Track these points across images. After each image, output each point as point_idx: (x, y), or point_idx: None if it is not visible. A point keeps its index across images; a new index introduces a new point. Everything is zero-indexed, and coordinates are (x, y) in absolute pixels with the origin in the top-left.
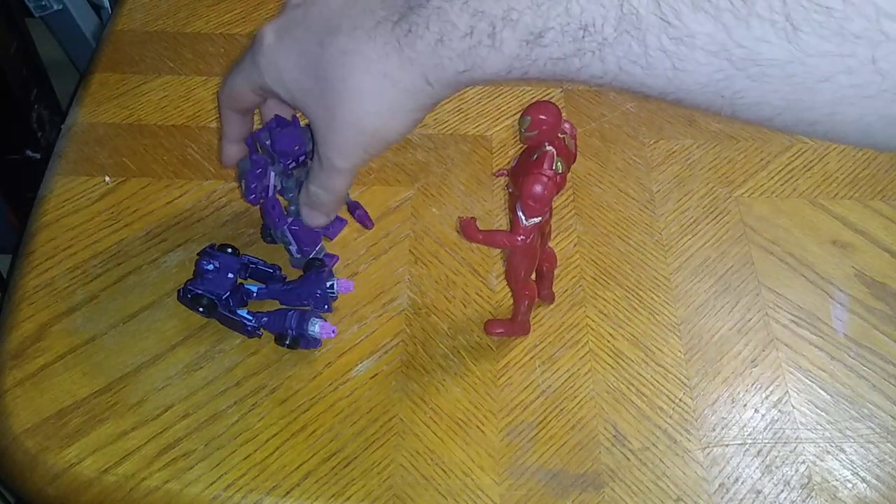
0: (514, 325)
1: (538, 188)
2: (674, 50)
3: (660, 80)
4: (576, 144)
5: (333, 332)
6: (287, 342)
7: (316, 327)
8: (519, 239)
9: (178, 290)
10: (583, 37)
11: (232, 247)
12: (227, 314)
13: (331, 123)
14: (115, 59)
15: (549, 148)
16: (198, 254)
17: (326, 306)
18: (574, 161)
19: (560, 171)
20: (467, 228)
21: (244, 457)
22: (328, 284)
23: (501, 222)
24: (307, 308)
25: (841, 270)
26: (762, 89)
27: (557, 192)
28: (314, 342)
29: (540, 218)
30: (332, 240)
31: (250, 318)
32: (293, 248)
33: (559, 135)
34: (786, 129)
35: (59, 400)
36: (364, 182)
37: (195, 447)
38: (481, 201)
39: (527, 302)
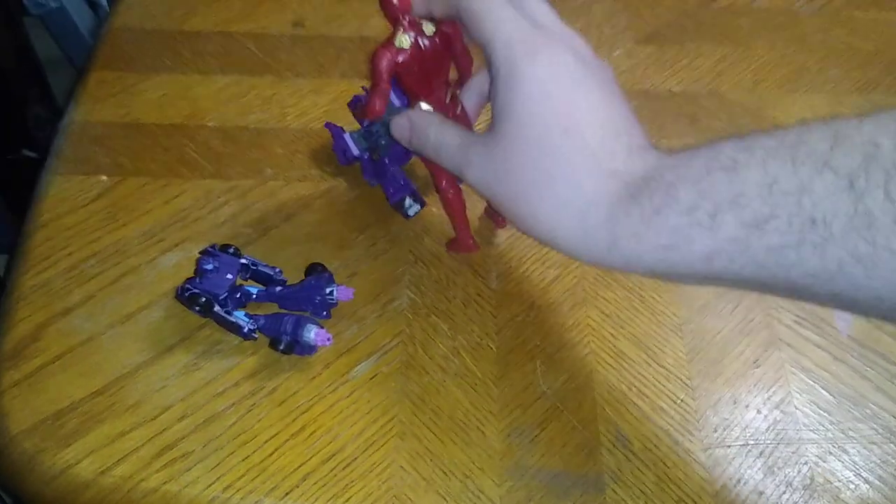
0: (455, 241)
1: (375, 56)
2: None
3: (880, 283)
4: (447, 40)
5: (329, 339)
6: (281, 347)
7: (311, 334)
8: (372, 105)
9: (177, 289)
10: (809, 228)
11: (233, 247)
12: (223, 315)
13: (515, 198)
14: (112, 57)
15: (398, 25)
16: (199, 252)
17: (325, 313)
18: (444, 55)
19: (403, 47)
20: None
21: (243, 458)
22: (328, 291)
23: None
24: (305, 313)
25: None
26: None
27: (420, 72)
28: (309, 349)
29: (382, 84)
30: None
31: (246, 320)
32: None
33: (416, 18)
34: None
35: (57, 401)
36: (364, 182)
37: (193, 448)
38: (482, 201)
39: (455, 216)
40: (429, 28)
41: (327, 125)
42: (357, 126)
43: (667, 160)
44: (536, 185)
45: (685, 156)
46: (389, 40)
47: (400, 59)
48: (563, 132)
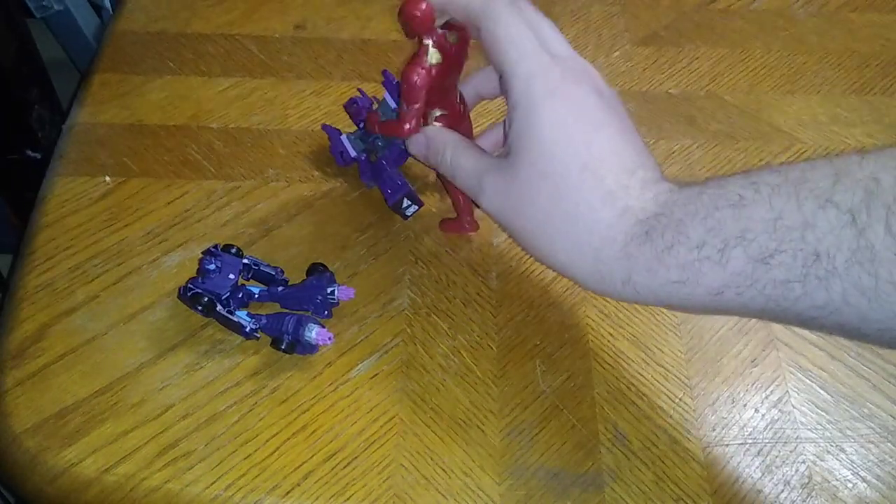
0: (456, 221)
1: (410, 76)
2: None
3: (885, 314)
4: (464, 45)
5: (330, 339)
6: (283, 346)
7: (312, 333)
8: (406, 126)
9: (179, 289)
10: (813, 262)
11: (236, 247)
12: (225, 315)
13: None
14: (115, 59)
15: (426, 41)
16: (202, 252)
17: (326, 312)
18: (460, 60)
19: (434, 63)
20: (368, 121)
21: (244, 457)
22: (329, 290)
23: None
24: (306, 313)
25: None
26: None
27: (442, 82)
28: (310, 348)
29: (418, 104)
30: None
31: (248, 319)
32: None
33: (439, 30)
34: None
35: (60, 400)
36: (364, 182)
37: (195, 447)
38: None
39: (460, 196)
40: (452, 37)
41: (324, 127)
42: (354, 128)
43: (677, 196)
44: (552, 221)
45: (694, 192)
46: (419, 56)
47: (434, 74)
48: (581, 169)
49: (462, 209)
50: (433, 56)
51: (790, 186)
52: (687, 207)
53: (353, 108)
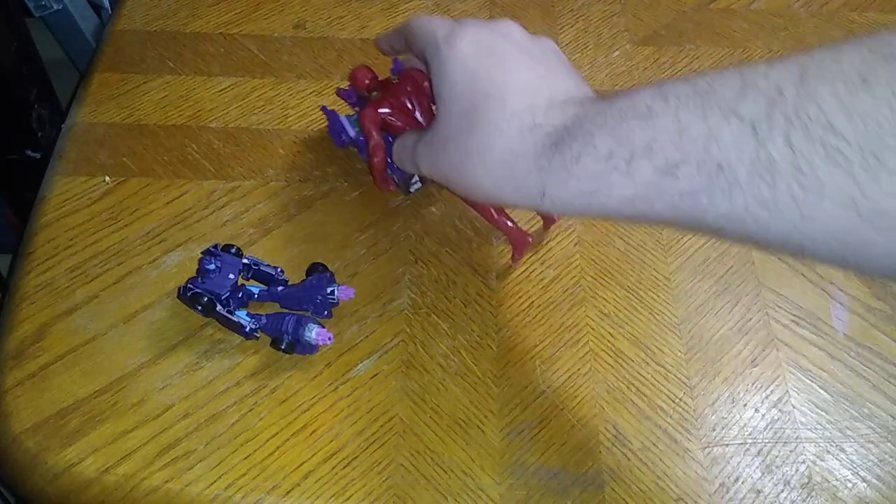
0: (514, 247)
1: (361, 117)
2: (803, 198)
3: (785, 226)
4: (422, 79)
5: (330, 339)
6: (283, 346)
7: (312, 333)
8: (375, 160)
9: (179, 288)
10: (716, 174)
11: (235, 247)
12: (225, 315)
13: (451, 148)
14: (115, 58)
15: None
16: (201, 252)
17: (326, 312)
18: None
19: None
20: (365, 117)
21: (244, 456)
22: (329, 290)
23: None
24: (306, 313)
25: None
26: (890, 242)
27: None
28: (310, 348)
29: (375, 140)
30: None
31: (248, 319)
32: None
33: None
34: None
35: (60, 400)
36: (364, 182)
37: (195, 447)
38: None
39: (493, 214)
40: (392, 77)
41: (323, 109)
42: (351, 112)
43: (587, 109)
44: (470, 152)
45: (604, 104)
46: (374, 103)
47: (382, 109)
48: (485, 98)
49: (500, 224)
50: (373, 97)
51: (697, 98)
52: (595, 119)
53: (343, 94)
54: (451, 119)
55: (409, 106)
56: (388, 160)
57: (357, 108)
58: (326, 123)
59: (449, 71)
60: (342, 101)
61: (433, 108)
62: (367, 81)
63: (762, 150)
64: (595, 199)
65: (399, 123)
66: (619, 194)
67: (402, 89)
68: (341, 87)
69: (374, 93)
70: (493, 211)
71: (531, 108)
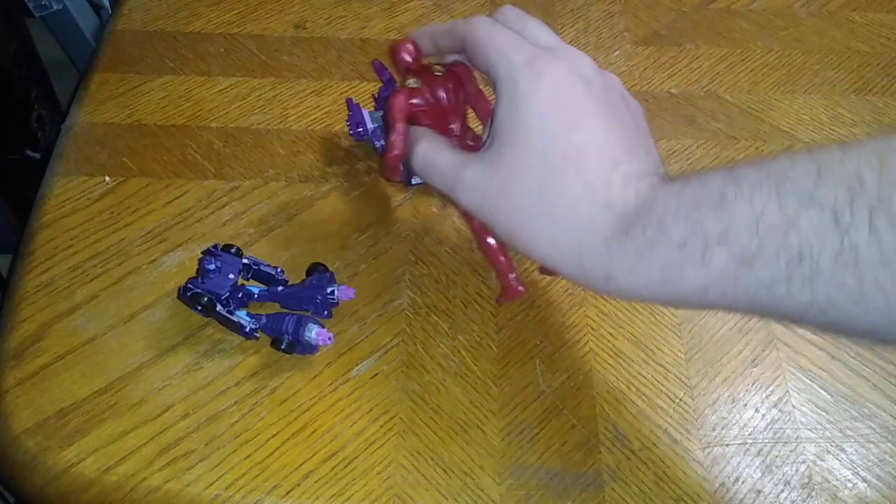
0: (505, 291)
1: (391, 99)
2: (891, 288)
3: (872, 318)
4: (465, 80)
5: (330, 339)
6: (283, 346)
7: (312, 333)
8: (394, 152)
9: (179, 288)
10: (797, 264)
11: (235, 247)
12: (225, 315)
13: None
14: (115, 58)
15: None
16: (201, 252)
17: (326, 312)
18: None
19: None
20: (393, 103)
21: (244, 456)
22: (329, 290)
23: None
24: (306, 313)
25: None
26: None
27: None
28: (310, 348)
29: (398, 131)
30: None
31: (248, 319)
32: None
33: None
34: None
35: (60, 400)
36: (364, 182)
37: (195, 447)
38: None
39: (500, 258)
40: (437, 70)
41: (348, 101)
42: (372, 109)
43: (659, 192)
44: (535, 213)
45: (675, 188)
46: (405, 88)
47: (414, 100)
48: (562, 160)
49: (503, 269)
50: (410, 83)
51: (772, 184)
52: (668, 204)
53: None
54: (519, 168)
55: (445, 104)
56: (375, 132)
57: (383, 102)
58: (327, 123)
59: (525, 114)
60: (338, 119)
61: (466, 114)
62: (409, 59)
63: (846, 240)
64: (665, 287)
65: (427, 122)
66: (691, 283)
67: (443, 85)
68: (342, 89)
69: (412, 80)
70: (500, 255)
71: (607, 185)
